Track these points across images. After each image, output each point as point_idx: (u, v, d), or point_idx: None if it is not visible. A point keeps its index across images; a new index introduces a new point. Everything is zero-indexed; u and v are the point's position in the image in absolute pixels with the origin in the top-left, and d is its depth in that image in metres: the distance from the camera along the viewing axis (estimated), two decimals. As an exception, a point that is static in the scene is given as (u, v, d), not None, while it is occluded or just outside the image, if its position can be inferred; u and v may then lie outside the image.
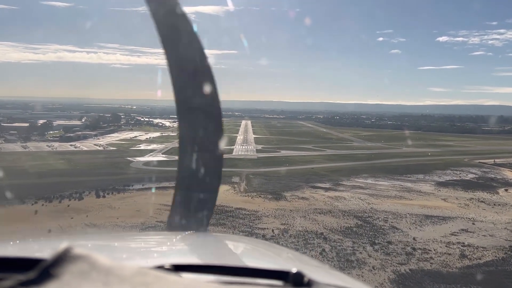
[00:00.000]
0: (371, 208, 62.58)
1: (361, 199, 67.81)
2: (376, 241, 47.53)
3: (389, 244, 46.94)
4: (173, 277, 1.19)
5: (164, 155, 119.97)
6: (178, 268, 1.60)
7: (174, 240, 3.03)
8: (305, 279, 1.47)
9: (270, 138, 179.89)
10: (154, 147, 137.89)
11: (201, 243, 3.12)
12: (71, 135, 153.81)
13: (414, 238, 49.13)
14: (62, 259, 1.03)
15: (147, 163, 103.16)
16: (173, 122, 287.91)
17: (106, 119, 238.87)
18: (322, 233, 49.75)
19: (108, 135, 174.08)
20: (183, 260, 1.94)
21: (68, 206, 59.96)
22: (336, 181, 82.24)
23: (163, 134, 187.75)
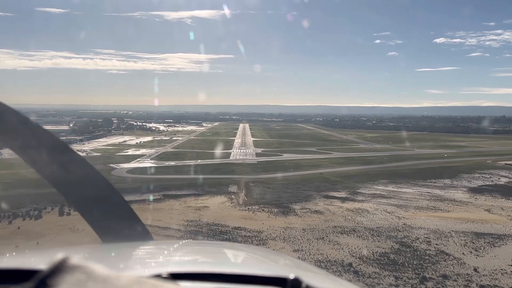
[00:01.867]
0: (404, 224, 49.88)
1: (388, 212, 55.10)
2: (427, 275, 34.76)
3: (445, 279, 34.19)
4: (170, 285, 1.16)
5: (152, 161, 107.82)
6: (175, 277, 1.58)
7: (171, 248, 2.94)
8: (303, 285, 1.45)
9: (270, 141, 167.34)
10: (143, 152, 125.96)
11: (198, 251, 3.10)
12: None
13: (475, 269, 36.40)
14: (58, 269, 1.02)
15: (131, 171, 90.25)
16: (168, 126, 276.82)
17: (96, 124, 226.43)
18: (350, 264, 36.93)
19: (96, 140, 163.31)
20: (180, 269, 1.89)
21: (19, 228, 47.07)
22: (352, 189, 69.58)
23: (155, 139, 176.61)
